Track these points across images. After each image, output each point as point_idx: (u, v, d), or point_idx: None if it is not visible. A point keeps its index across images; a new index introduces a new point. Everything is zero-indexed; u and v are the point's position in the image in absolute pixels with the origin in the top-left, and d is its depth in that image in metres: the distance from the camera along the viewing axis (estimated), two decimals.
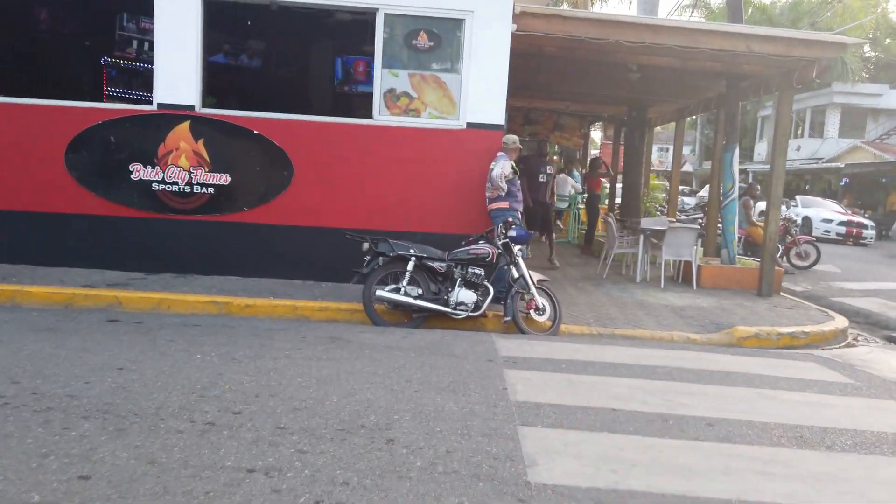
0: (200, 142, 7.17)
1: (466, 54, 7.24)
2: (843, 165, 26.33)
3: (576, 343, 5.95)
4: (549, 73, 10.83)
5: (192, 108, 7.15)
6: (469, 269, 6.33)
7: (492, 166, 6.98)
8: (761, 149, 38.12)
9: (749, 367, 5.43)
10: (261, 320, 6.03)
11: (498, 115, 7.37)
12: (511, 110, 18.36)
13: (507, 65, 7.27)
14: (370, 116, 7.35)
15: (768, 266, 8.97)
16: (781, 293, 9.29)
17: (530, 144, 25.99)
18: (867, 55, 35.94)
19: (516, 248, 6.45)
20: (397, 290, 6.18)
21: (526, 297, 6.47)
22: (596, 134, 32.58)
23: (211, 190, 7.24)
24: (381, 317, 6.27)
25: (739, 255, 11.48)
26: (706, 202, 17.38)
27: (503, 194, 6.97)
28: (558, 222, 16.13)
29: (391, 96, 7.34)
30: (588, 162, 13.42)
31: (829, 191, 27.51)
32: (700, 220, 12.33)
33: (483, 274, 6.36)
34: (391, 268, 6.27)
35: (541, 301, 6.46)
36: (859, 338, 7.60)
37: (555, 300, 6.56)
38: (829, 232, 20.31)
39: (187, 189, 7.21)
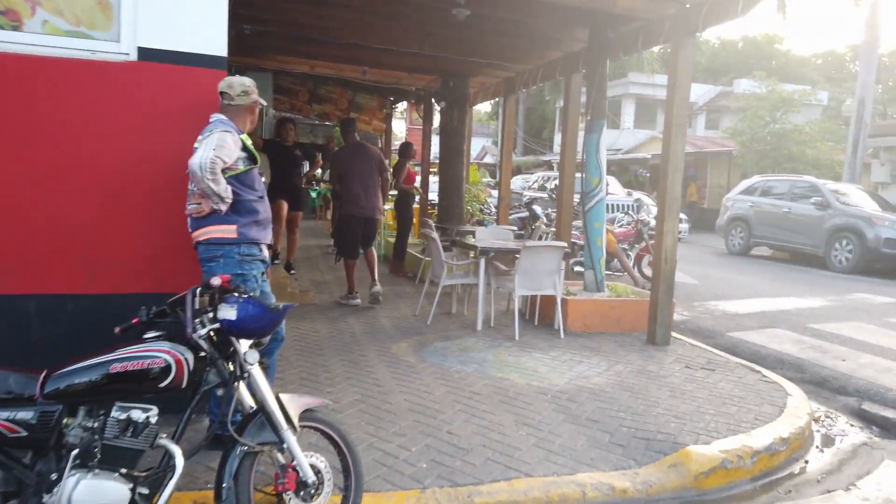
0: None
1: None
2: (649, 156, 25.85)
3: None
4: (341, 11, 7.08)
5: None
6: (113, 416, 2.39)
7: (197, 144, 3.08)
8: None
9: None
10: None
11: (213, 37, 3.43)
12: (291, 80, 14.25)
13: None
14: None
15: (664, 300, 6.08)
16: (673, 333, 6.49)
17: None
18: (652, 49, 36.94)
19: (244, 347, 2.63)
20: None
21: (280, 456, 2.69)
22: (400, 125, 29.53)
23: None
24: None
25: (581, 270, 8.74)
26: (533, 198, 14.81)
27: (223, 207, 3.10)
28: None
29: None
30: (398, 148, 9.95)
31: (635, 182, 26.99)
32: (542, 230, 9.33)
33: (153, 420, 2.44)
34: None
35: (308, 466, 2.71)
36: (821, 418, 4.90)
37: (343, 447, 2.86)
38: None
39: None
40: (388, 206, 11.96)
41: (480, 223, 12.57)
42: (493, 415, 4.08)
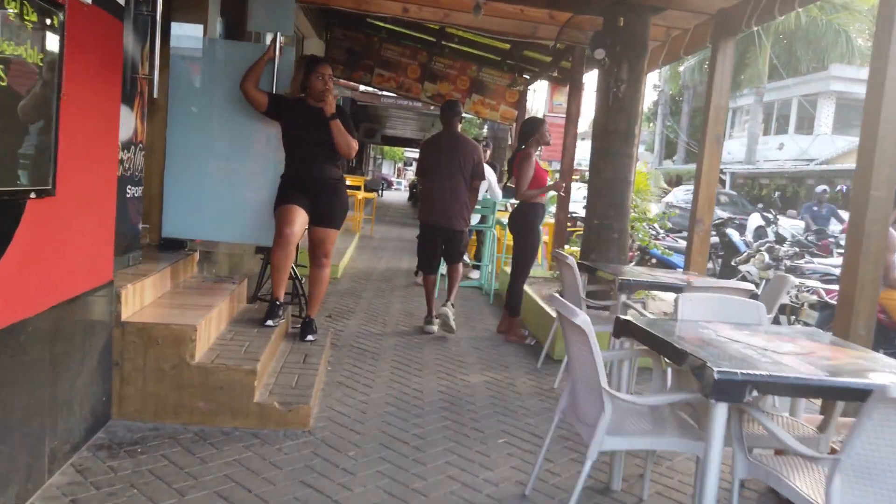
0: None
1: None
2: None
3: None
4: None
5: None
6: None
7: None
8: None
9: None
10: None
11: None
12: (399, 51, 10.55)
13: None
14: None
15: None
16: None
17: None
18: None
19: None
20: None
21: None
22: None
23: None
24: None
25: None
26: (724, 219, 10.24)
27: None
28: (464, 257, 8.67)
29: None
30: (520, 129, 6.04)
31: (770, 200, 20.49)
32: (789, 285, 4.84)
33: None
34: None
35: None
36: None
37: None
38: None
39: None
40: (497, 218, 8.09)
41: (645, 254, 8.34)
42: None
